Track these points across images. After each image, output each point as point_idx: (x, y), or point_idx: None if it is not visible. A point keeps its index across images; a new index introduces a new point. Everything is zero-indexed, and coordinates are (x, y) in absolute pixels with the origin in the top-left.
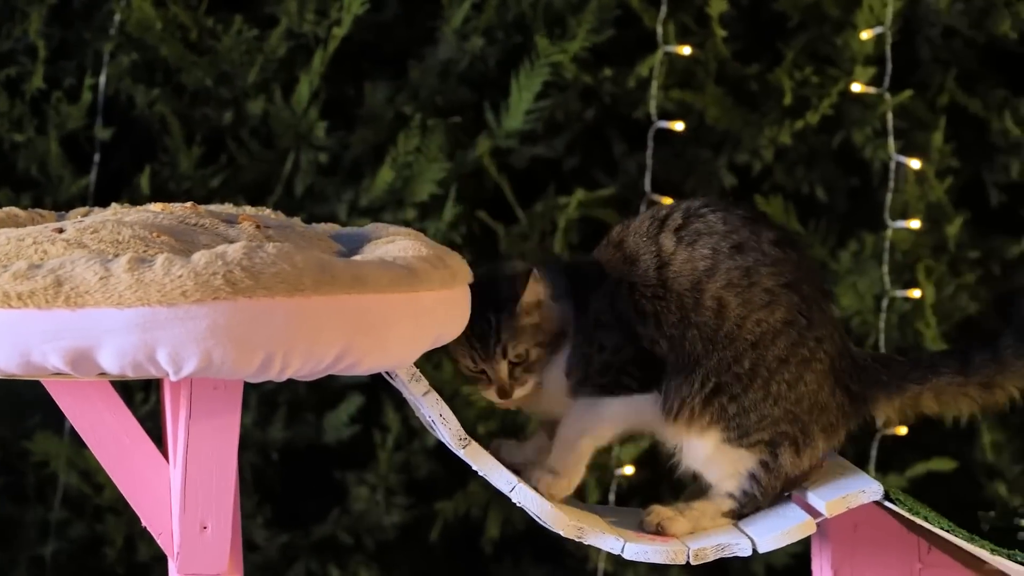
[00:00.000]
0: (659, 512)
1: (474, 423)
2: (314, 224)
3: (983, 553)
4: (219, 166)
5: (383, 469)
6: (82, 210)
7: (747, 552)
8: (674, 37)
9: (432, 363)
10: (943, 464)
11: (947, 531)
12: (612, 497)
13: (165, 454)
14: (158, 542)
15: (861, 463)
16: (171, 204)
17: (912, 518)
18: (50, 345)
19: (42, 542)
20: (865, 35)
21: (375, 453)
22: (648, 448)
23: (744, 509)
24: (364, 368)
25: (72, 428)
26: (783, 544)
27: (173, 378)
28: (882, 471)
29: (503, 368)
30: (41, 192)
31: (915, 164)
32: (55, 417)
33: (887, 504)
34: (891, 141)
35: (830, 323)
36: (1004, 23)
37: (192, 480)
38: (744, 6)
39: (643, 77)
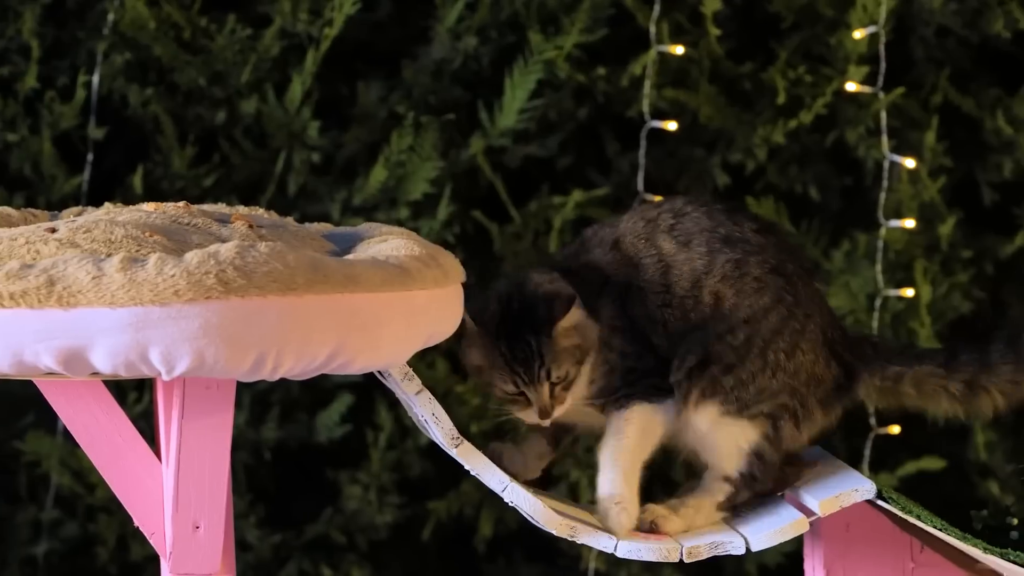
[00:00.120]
0: (653, 510)
1: (467, 422)
2: (307, 223)
3: (976, 552)
4: (212, 165)
5: (376, 468)
6: (75, 210)
7: (740, 550)
8: (668, 36)
9: (425, 362)
10: (936, 463)
11: (940, 530)
12: None
13: (158, 454)
14: (151, 542)
15: (854, 462)
16: (164, 203)
17: (905, 517)
18: (43, 345)
19: (34, 542)
20: (858, 34)
21: (368, 452)
22: None
23: (740, 495)
24: (357, 367)
25: (65, 428)
26: (776, 542)
27: (166, 377)
28: (875, 470)
29: (545, 390)
30: (34, 192)
31: (908, 163)
32: (47, 417)
33: (880, 503)
34: (884, 140)
35: (817, 298)
36: (997, 22)
37: (185, 479)
38: (738, 5)
39: (636, 76)
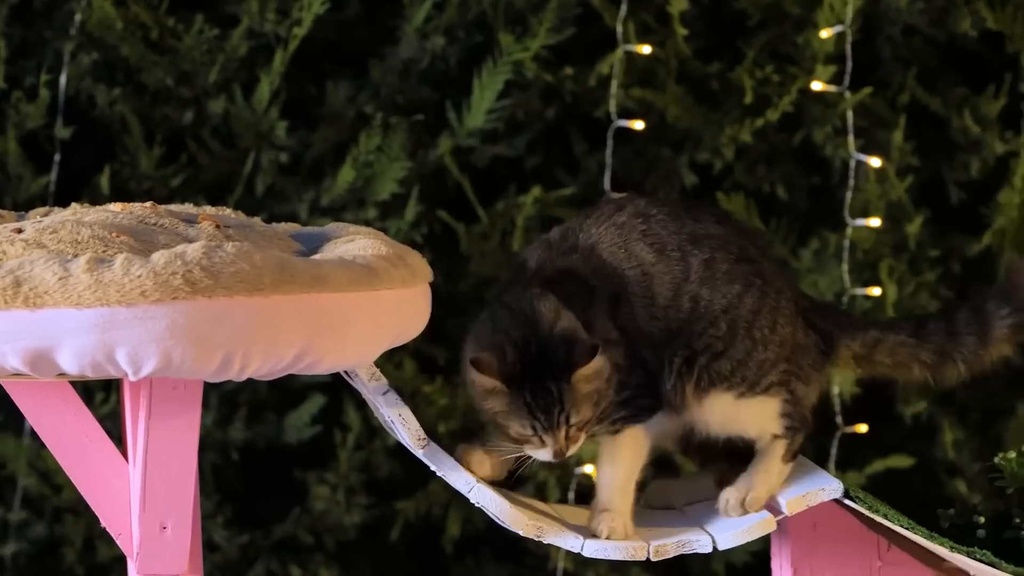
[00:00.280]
0: (733, 494)
1: (434, 423)
2: (274, 224)
3: (942, 551)
4: (179, 166)
5: (344, 469)
6: (42, 210)
7: (707, 549)
8: (634, 36)
9: (393, 362)
10: (903, 461)
11: (907, 529)
12: (572, 496)
13: (125, 454)
14: (117, 542)
15: (821, 461)
16: (131, 204)
17: (872, 516)
18: (9, 345)
19: (1, 543)
20: (825, 34)
21: (336, 453)
22: None
23: (795, 443)
24: (324, 367)
25: (31, 429)
26: (743, 541)
27: (132, 378)
28: (842, 469)
29: (562, 434)
30: (0, 192)
31: (875, 162)
32: (14, 418)
33: (847, 502)
34: (851, 139)
35: (780, 274)
36: (964, 21)
37: (152, 480)
38: (705, 5)
39: (604, 76)
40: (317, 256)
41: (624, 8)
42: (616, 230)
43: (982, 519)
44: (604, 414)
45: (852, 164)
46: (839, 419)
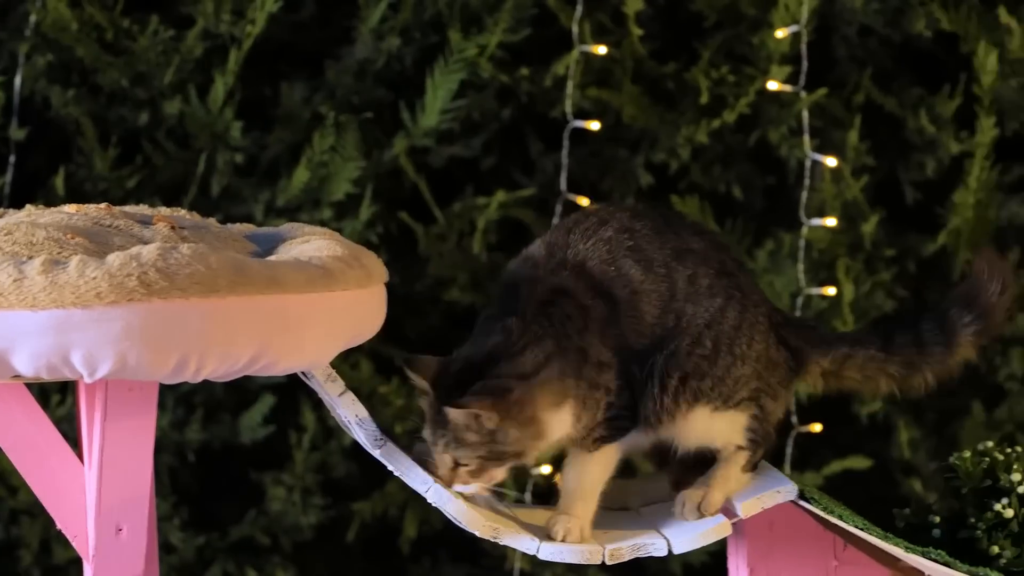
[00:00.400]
0: (691, 496)
1: (391, 423)
2: (230, 224)
3: (897, 551)
4: (135, 167)
5: (299, 469)
6: None
7: (663, 552)
8: (590, 36)
9: (349, 363)
10: (859, 462)
11: (862, 529)
12: (528, 496)
13: (80, 456)
14: (73, 545)
15: (776, 461)
16: (86, 205)
17: (827, 517)
18: None
19: None
20: (781, 34)
21: (291, 454)
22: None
23: (756, 456)
24: (280, 369)
25: None
26: (698, 545)
27: (88, 380)
28: (798, 469)
29: (445, 461)
30: None
31: (831, 162)
32: None
33: (802, 503)
34: (807, 139)
35: (755, 288)
36: (919, 22)
37: (107, 482)
38: (660, 5)
39: (559, 76)
40: (273, 257)
41: (580, 8)
42: (604, 245)
43: (937, 519)
44: (585, 432)
45: (808, 164)
46: (794, 419)
